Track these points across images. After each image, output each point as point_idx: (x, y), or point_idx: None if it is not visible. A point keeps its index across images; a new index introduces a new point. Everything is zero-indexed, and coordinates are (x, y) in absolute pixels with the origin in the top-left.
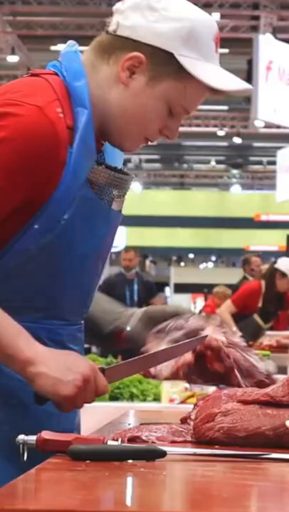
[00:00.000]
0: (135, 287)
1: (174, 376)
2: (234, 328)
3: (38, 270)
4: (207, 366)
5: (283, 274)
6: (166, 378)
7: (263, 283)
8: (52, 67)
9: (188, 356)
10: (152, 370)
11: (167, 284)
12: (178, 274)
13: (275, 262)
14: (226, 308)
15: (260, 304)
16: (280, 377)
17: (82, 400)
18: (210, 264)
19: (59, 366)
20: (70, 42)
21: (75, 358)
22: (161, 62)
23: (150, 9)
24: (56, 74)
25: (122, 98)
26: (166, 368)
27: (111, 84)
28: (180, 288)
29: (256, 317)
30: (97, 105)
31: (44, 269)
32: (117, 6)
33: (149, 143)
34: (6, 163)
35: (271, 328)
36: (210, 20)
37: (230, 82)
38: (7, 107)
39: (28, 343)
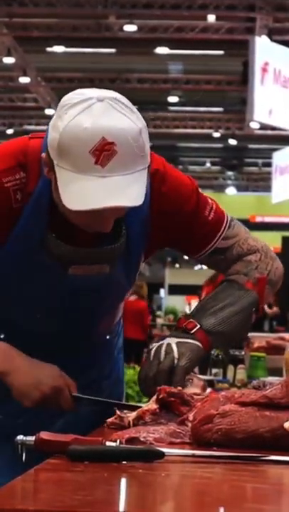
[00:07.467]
0: None
1: (138, 420)
2: None
3: None
4: (173, 411)
5: None
6: (130, 422)
7: None
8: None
9: (151, 405)
10: (120, 414)
11: (162, 286)
12: (172, 276)
13: None
14: None
15: None
16: (275, 379)
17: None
18: (205, 266)
19: (27, 381)
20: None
21: (49, 372)
22: (53, 169)
23: (56, 113)
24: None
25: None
26: (131, 414)
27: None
28: (175, 289)
29: None
30: None
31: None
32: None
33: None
34: None
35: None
36: (83, 133)
37: (83, 202)
38: None
39: (6, 357)
